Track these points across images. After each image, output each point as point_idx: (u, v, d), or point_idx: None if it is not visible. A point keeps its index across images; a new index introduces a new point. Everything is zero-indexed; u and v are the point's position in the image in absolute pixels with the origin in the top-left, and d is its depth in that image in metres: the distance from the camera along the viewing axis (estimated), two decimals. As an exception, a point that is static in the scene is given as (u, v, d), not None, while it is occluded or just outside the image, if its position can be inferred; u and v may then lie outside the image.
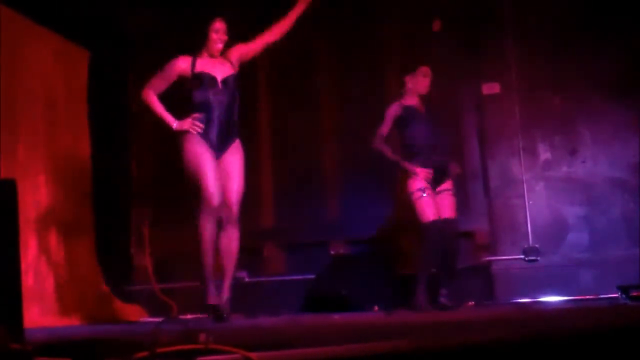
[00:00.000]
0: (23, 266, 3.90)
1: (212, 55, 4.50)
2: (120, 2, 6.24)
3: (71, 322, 5.11)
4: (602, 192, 5.90)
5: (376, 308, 5.32)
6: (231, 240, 4.38)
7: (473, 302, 5.41)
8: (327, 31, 6.52)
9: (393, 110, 5.06)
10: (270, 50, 6.57)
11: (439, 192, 4.96)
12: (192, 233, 6.33)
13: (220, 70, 4.48)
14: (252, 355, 1.89)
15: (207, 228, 4.28)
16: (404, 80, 5.14)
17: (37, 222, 5.22)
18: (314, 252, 6.22)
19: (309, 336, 2.71)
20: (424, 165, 4.92)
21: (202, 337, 1.96)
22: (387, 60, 6.42)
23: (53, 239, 5.40)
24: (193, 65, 4.45)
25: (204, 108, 4.37)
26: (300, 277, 6.00)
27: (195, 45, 4.53)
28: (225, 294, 4.32)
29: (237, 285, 4.80)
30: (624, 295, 4.66)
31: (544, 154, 6.06)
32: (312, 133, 6.40)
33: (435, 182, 4.95)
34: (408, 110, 5.04)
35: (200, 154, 4.33)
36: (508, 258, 5.94)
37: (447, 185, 5.02)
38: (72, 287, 5.44)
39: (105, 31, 6.14)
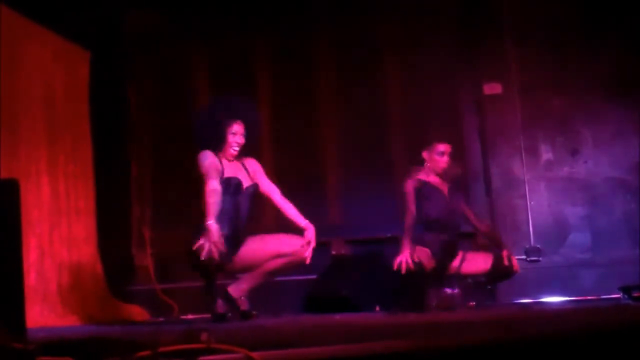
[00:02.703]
0: (25, 266, 3.90)
1: (229, 160, 4.41)
2: (121, 2, 6.24)
3: (73, 322, 5.10)
4: (604, 192, 5.90)
5: (377, 308, 5.31)
6: None
7: (474, 303, 5.41)
8: (326, 32, 6.52)
9: (410, 186, 4.91)
10: (270, 52, 6.61)
11: None
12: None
13: (244, 176, 4.44)
14: (254, 354, 1.89)
15: None
16: (422, 156, 4.99)
17: (39, 222, 5.22)
18: (315, 252, 6.22)
19: (310, 336, 2.71)
20: (433, 243, 4.86)
21: (204, 336, 1.96)
22: (388, 61, 6.42)
23: (55, 239, 5.39)
24: (222, 166, 4.35)
25: (222, 209, 4.24)
26: (301, 277, 5.98)
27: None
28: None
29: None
30: (625, 296, 4.65)
31: (546, 155, 6.06)
32: (313, 133, 6.39)
33: (446, 261, 4.93)
34: (425, 185, 4.92)
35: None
36: (509, 258, 5.94)
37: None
38: (74, 287, 5.43)
39: (106, 31, 6.14)
